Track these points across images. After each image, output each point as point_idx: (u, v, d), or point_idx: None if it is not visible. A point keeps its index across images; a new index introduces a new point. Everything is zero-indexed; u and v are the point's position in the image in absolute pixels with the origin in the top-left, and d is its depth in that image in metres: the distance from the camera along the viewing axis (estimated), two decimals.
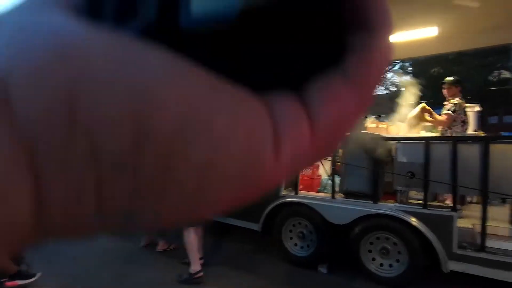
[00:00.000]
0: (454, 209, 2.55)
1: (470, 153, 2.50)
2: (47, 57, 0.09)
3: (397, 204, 2.84)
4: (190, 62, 0.10)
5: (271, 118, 0.12)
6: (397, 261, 2.85)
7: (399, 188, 2.86)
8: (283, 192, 3.42)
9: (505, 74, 17.93)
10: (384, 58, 0.13)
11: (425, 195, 2.66)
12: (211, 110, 0.10)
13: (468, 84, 18.18)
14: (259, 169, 0.12)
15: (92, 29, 0.10)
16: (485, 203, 2.43)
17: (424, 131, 4.41)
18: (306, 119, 0.12)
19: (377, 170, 2.89)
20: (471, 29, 4.06)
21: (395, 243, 2.85)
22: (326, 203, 3.18)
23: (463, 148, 2.54)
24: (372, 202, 2.93)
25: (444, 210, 2.61)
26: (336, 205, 3.13)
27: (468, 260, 2.49)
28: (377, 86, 0.14)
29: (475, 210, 2.93)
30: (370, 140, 3.01)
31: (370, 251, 2.98)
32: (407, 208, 2.75)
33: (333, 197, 3.18)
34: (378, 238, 2.95)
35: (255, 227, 3.60)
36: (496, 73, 18.47)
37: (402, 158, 2.81)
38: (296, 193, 3.41)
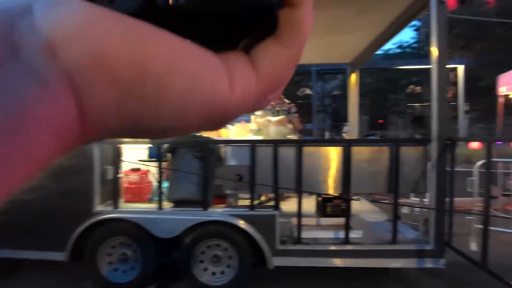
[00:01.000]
0: (276, 208, 2.68)
1: (288, 155, 2.70)
2: (78, 24, 0.14)
3: (226, 209, 2.76)
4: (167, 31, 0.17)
5: (226, 67, 0.18)
6: (228, 266, 2.78)
7: (228, 191, 2.80)
8: (98, 208, 2.78)
9: (308, 91, 22.49)
10: (305, 27, 0.20)
11: (252, 197, 2.69)
12: (188, 58, 0.17)
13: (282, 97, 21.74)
14: (220, 98, 0.18)
15: (95, 8, 0.15)
16: (300, 200, 2.67)
17: (251, 134, 4.70)
18: (251, 68, 0.19)
19: (206, 174, 2.74)
20: None
21: (226, 249, 2.77)
22: (151, 216, 2.78)
23: (283, 150, 2.72)
24: (202, 209, 2.75)
25: (267, 210, 2.71)
26: (163, 216, 2.78)
27: (288, 253, 2.67)
28: (302, 47, 0.20)
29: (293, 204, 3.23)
30: (200, 144, 2.83)
31: (202, 261, 2.79)
32: (236, 212, 2.72)
33: (160, 207, 2.81)
34: (209, 246, 2.79)
35: (61, 256, 2.78)
36: (302, 89, 22.89)
37: (231, 161, 2.76)
38: (116, 207, 2.84)
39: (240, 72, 0.19)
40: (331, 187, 2.68)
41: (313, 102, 14.70)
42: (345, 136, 5.10)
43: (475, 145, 9.39)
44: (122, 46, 0.15)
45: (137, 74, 0.15)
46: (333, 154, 2.68)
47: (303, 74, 21.46)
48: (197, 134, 3.22)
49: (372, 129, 26.06)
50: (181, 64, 0.17)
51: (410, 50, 20.61)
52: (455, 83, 16.96)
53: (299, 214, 2.67)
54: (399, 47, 20.72)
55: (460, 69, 13.55)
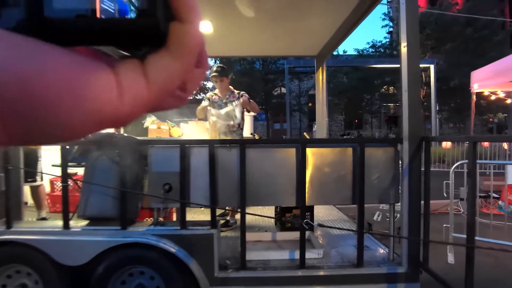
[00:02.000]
0: (214, 225, 2.12)
1: (229, 159, 2.16)
2: None
3: (151, 227, 2.17)
4: (56, 44, 0.19)
5: (116, 75, 0.20)
6: None
7: (154, 206, 2.21)
8: None
9: (284, 90, 22.13)
10: (193, 40, 0.23)
11: (183, 213, 2.12)
12: (75, 73, 0.19)
13: (258, 97, 21.32)
14: (109, 107, 0.20)
15: None
16: (243, 214, 2.13)
17: (208, 134, 4.13)
18: (143, 77, 0.21)
19: (127, 185, 2.14)
20: (246, 37, 4.10)
21: (152, 277, 2.19)
22: (53, 238, 2.14)
23: (222, 153, 2.17)
24: (120, 228, 2.15)
25: (203, 228, 2.14)
26: (70, 238, 2.15)
27: (230, 282, 2.12)
28: (193, 58, 0.23)
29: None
30: (120, 145, 2.23)
31: None
32: (163, 231, 2.14)
33: (66, 227, 2.18)
34: (131, 274, 2.20)
35: None
36: (277, 88, 22.52)
37: (157, 167, 2.18)
38: (8, 226, 2.19)
39: (130, 81, 0.21)
40: (283, 198, 2.17)
41: (287, 100, 14.27)
42: (306, 135, 4.60)
43: (447, 144, 9.29)
44: (3, 64, 0.16)
45: (19, 91, 0.16)
46: (285, 157, 2.17)
47: (278, 73, 21.10)
48: (116, 133, 2.62)
49: (349, 129, 26.14)
50: (66, 78, 0.18)
51: (383, 50, 20.70)
52: (427, 83, 17.12)
53: (243, 232, 2.14)
54: (372, 46, 20.76)
55: (432, 68, 13.61)
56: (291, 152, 2.17)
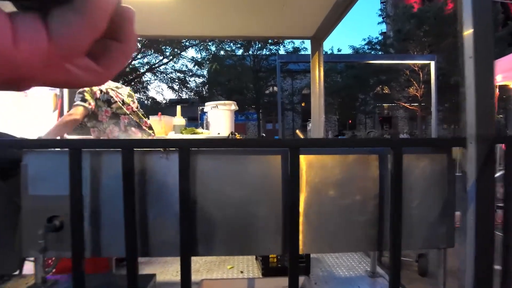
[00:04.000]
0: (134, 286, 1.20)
1: (163, 171, 1.23)
2: None
3: None
4: None
5: (12, 24, 0.20)
6: None
7: (34, 255, 1.28)
8: None
9: (275, 89, 21.26)
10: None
11: (76, 263, 1.19)
12: None
13: (249, 94, 20.42)
14: (1, 52, 0.19)
15: None
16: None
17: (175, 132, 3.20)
18: (43, 29, 0.21)
19: None
20: (232, 15, 3.21)
21: None
22: None
23: (154, 162, 1.25)
24: None
25: None
26: None
27: None
28: (100, 16, 0.23)
29: None
30: None
31: None
32: None
33: None
34: None
35: None
36: (270, 86, 21.65)
37: (37, 188, 1.24)
38: None
39: (27, 29, 0.21)
40: (258, 243, 1.25)
41: (278, 98, 13.38)
42: (299, 133, 3.69)
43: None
44: None
45: None
46: (263, 170, 1.25)
47: (269, 70, 20.17)
48: None
49: (343, 129, 25.35)
50: None
51: (379, 47, 19.99)
52: (425, 81, 16.40)
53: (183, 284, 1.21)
54: (368, 43, 20.02)
55: (432, 65, 12.85)
56: (274, 161, 1.25)
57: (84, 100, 2.34)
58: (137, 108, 2.83)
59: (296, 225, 1.15)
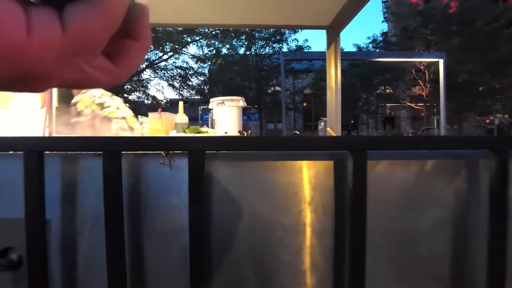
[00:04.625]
0: None
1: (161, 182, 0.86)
2: None
3: None
4: None
5: (26, 15, 0.19)
6: None
7: None
8: None
9: (278, 88, 20.93)
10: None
11: None
12: None
13: (251, 93, 20.08)
14: (14, 41, 0.18)
15: None
16: None
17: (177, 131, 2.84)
18: (57, 21, 0.20)
19: None
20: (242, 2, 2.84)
21: None
22: None
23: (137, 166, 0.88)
24: None
25: None
26: None
27: None
28: (115, 12, 0.21)
29: None
30: None
31: None
32: None
33: None
34: None
35: None
36: (272, 86, 21.30)
37: None
38: None
39: (42, 22, 0.19)
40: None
41: (282, 97, 13.05)
42: (330, 131, 3.32)
43: None
44: None
45: None
46: (317, 178, 0.88)
47: (272, 69, 19.80)
48: None
49: (344, 129, 24.99)
50: None
51: (383, 44, 19.64)
52: (431, 80, 16.04)
53: None
54: (373, 41, 19.66)
55: (441, 63, 12.49)
56: (324, 169, 0.88)
57: None
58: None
59: (362, 263, 0.78)
